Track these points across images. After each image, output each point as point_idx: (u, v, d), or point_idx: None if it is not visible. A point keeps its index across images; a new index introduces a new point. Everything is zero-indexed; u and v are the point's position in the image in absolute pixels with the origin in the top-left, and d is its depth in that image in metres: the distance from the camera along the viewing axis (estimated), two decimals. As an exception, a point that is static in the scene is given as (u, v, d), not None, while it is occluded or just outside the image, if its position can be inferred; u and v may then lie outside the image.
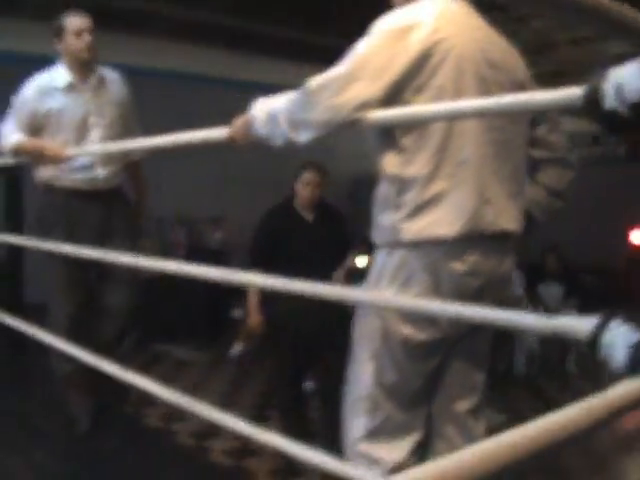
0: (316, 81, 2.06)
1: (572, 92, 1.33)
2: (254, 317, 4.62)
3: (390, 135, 2.14)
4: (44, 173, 3.85)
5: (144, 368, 5.53)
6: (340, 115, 1.98)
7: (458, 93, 2.06)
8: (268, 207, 4.70)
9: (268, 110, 2.11)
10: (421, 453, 2.32)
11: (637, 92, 1.18)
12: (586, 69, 14.22)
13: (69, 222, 3.82)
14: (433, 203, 2.07)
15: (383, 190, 2.19)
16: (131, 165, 4.23)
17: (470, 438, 2.28)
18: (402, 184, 2.10)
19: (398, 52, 2.04)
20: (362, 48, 2.07)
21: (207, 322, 7.60)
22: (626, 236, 12.25)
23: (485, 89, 2.11)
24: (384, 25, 2.10)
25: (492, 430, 4.07)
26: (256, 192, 9.30)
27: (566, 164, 2.48)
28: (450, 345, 2.25)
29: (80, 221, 3.84)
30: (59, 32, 3.76)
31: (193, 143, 2.54)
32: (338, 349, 4.03)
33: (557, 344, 6.52)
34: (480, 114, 1.93)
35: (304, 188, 4.52)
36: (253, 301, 4.60)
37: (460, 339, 2.25)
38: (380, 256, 2.21)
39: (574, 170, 2.50)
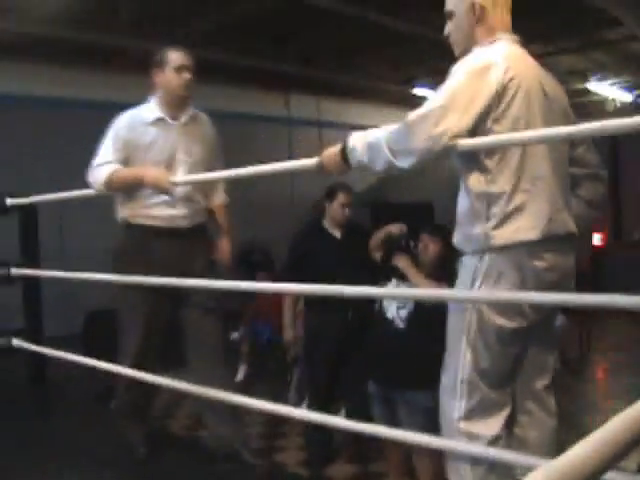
0: (415, 114, 2.45)
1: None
2: (288, 332, 4.87)
3: (475, 159, 2.54)
4: (125, 210, 3.82)
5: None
6: (438, 144, 2.39)
7: (528, 121, 2.51)
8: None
9: (368, 140, 2.53)
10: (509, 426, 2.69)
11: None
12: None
13: (147, 261, 3.72)
14: (516, 213, 2.48)
15: (470, 205, 2.58)
16: (216, 208, 4.21)
17: (547, 411, 2.74)
18: (489, 199, 2.51)
19: (481, 88, 2.47)
20: (451, 86, 2.48)
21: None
22: (590, 239, 12.92)
23: (546, 117, 2.57)
24: (467, 66, 2.53)
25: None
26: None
27: (600, 179, 2.91)
28: (531, 331, 2.64)
29: (159, 259, 3.73)
30: (160, 65, 3.76)
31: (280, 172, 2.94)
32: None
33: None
34: (549, 140, 2.49)
35: (340, 208, 4.80)
36: (288, 317, 4.86)
37: (538, 326, 2.65)
38: (471, 261, 2.58)
39: (606, 184, 2.93)
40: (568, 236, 2.60)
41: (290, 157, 13.30)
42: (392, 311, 4.15)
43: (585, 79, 13.84)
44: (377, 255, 4.52)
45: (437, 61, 12.41)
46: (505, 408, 2.65)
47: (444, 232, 4.04)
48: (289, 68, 11.65)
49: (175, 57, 3.76)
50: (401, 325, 4.14)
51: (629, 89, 14.90)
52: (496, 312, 2.54)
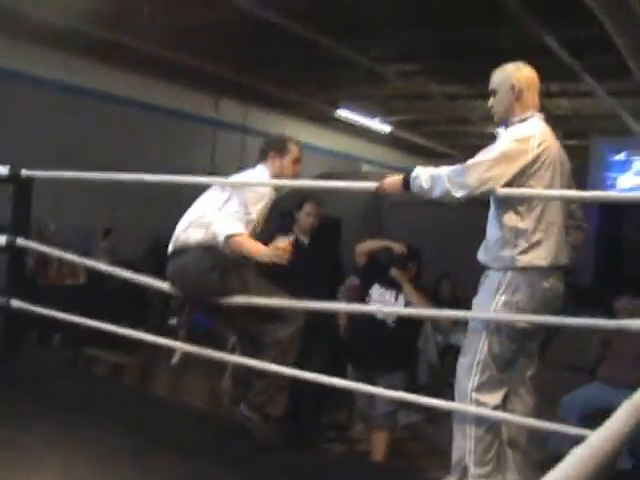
0: (473, 160, 3.31)
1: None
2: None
3: (511, 203, 3.38)
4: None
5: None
6: (487, 185, 3.26)
7: (552, 181, 3.39)
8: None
9: (431, 173, 3.35)
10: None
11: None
12: (456, 122, 15.73)
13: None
14: (535, 246, 3.33)
15: (502, 235, 3.40)
16: None
17: (530, 394, 3.57)
18: (517, 232, 3.34)
19: (524, 150, 3.30)
20: (501, 146, 3.31)
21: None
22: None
23: (562, 178, 3.47)
24: (514, 134, 3.37)
25: (409, 427, 5.07)
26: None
27: (583, 229, 3.77)
28: (530, 333, 3.49)
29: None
30: (282, 150, 4.11)
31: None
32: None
33: (452, 356, 7.53)
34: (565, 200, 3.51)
35: (306, 217, 5.36)
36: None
37: (535, 330, 3.52)
38: (497, 274, 3.40)
39: (586, 233, 3.79)
40: (564, 267, 3.46)
41: (212, 158, 13.75)
42: (381, 315, 5.27)
43: (496, 124, 14.75)
44: (361, 259, 5.55)
45: (363, 87, 13.21)
46: (504, 386, 3.48)
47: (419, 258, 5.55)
48: (223, 72, 12.06)
49: (296, 150, 4.16)
50: (392, 325, 5.28)
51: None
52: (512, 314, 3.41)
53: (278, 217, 4.33)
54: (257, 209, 3.88)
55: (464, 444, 3.43)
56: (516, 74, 3.51)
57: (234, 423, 4.02)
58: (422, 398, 4.02)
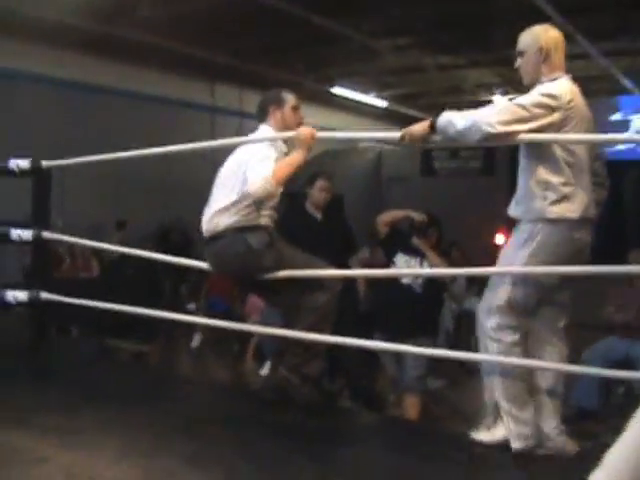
0: (505, 104, 3.42)
1: None
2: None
3: (542, 156, 3.45)
4: None
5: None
6: (513, 127, 3.34)
7: (579, 132, 3.48)
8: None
9: (463, 114, 3.43)
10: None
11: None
12: (449, 92, 15.82)
13: None
14: (565, 199, 3.40)
15: (532, 187, 3.46)
16: None
17: (563, 342, 3.65)
18: (547, 185, 3.41)
19: (556, 106, 3.38)
20: (534, 98, 3.38)
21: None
22: (492, 238, 13.92)
23: (587, 131, 3.52)
24: (545, 89, 3.41)
25: (433, 392, 5.20)
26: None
27: (605, 187, 3.83)
28: (556, 285, 3.59)
29: None
30: (279, 101, 4.17)
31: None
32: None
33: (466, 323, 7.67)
34: (582, 142, 3.54)
35: (319, 193, 5.45)
36: None
37: (560, 284, 3.60)
38: (527, 226, 3.48)
39: (607, 190, 3.84)
40: (592, 219, 3.52)
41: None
42: (408, 279, 5.45)
43: (491, 92, 14.91)
44: (383, 229, 5.64)
45: (357, 63, 13.27)
46: (518, 332, 3.55)
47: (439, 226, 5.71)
48: (217, 58, 12.12)
49: (292, 98, 4.20)
50: (418, 290, 5.43)
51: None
52: (535, 265, 3.48)
53: (285, 198, 4.38)
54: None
55: (494, 395, 3.55)
56: (543, 36, 3.55)
57: (271, 389, 4.16)
58: (456, 353, 4.27)
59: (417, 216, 5.51)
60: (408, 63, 13.12)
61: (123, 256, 9.15)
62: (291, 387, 3.98)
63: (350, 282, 5.43)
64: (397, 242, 5.58)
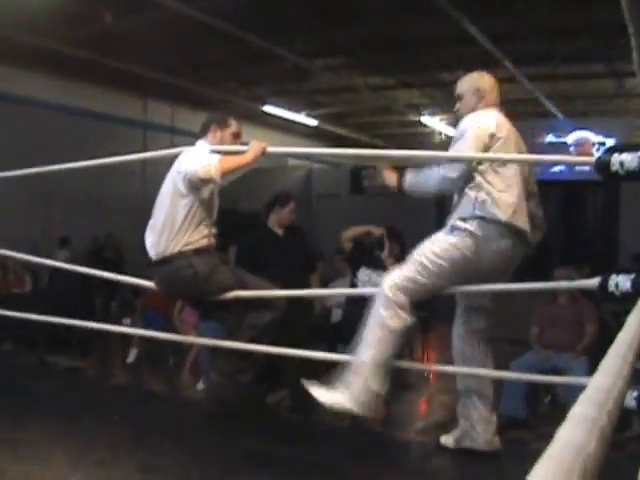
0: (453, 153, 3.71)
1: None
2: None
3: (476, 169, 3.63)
4: None
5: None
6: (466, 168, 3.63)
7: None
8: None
9: (423, 172, 3.71)
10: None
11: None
12: (378, 113, 16.12)
13: None
14: (495, 201, 3.53)
15: (465, 192, 3.61)
16: None
17: (487, 345, 3.85)
18: (480, 187, 3.58)
19: (486, 135, 3.61)
20: (471, 135, 3.59)
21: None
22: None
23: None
24: (476, 125, 3.62)
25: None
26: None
27: (542, 228, 3.99)
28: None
29: None
30: (222, 123, 4.25)
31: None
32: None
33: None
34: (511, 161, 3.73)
35: (289, 213, 5.60)
36: None
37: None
38: (458, 222, 3.57)
39: (543, 233, 4.00)
40: (523, 232, 3.63)
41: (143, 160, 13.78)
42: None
43: (419, 112, 15.26)
44: (347, 245, 5.89)
45: (289, 82, 13.44)
46: (407, 320, 3.57)
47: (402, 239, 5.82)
48: (149, 74, 12.13)
49: (236, 125, 4.28)
50: None
51: (454, 125, 16.49)
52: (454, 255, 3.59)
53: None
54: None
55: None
56: (480, 80, 3.86)
57: (210, 401, 4.25)
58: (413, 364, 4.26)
59: (376, 230, 5.75)
60: (339, 83, 13.34)
61: (56, 271, 9.15)
62: (225, 394, 4.04)
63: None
64: (360, 256, 5.79)
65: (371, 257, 5.72)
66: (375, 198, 16.45)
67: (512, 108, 15.33)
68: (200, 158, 3.90)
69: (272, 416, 4.55)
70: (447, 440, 3.84)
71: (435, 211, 17.14)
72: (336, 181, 17.20)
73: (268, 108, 14.53)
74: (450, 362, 4.02)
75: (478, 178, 3.61)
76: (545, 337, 6.39)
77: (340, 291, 5.69)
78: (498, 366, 3.93)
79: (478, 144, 3.58)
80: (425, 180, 3.69)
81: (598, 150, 14.28)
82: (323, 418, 5.25)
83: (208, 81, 13.02)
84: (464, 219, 3.58)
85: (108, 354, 8.01)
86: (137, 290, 8.04)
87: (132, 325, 7.85)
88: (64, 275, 8.65)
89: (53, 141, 11.76)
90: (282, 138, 17.60)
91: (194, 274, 3.95)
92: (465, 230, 3.55)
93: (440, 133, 17.16)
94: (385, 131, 18.36)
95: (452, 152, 3.68)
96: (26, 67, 11.52)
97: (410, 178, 3.74)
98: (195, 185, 3.90)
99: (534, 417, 6.00)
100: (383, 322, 3.51)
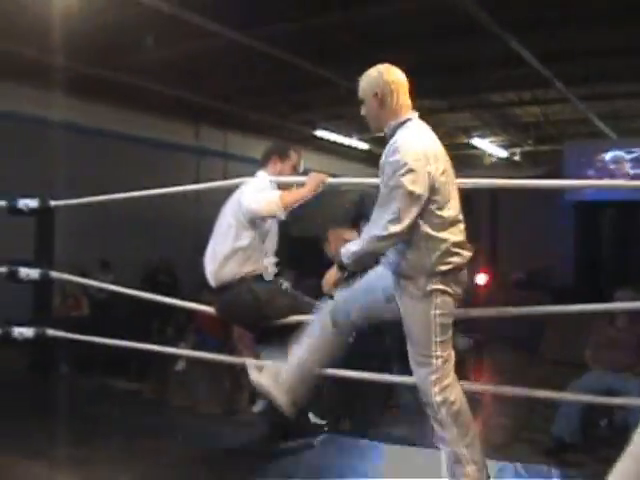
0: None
1: None
2: None
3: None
4: None
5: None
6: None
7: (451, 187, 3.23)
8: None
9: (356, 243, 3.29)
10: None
11: None
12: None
13: None
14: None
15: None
16: None
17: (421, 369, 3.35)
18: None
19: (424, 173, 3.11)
20: (405, 182, 3.08)
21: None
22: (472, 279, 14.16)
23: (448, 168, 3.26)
24: (408, 154, 3.11)
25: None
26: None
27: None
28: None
29: None
30: (283, 155, 4.32)
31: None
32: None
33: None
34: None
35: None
36: None
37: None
38: None
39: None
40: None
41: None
42: None
43: (469, 135, 15.26)
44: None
45: (340, 106, 13.51)
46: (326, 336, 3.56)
47: None
48: (202, 101, 12.35)
49: (296, 158, 4.35)
50: None
51: (505, 147, 16.50)
52: None
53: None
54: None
55: None
56: (378, 80, 3.36)
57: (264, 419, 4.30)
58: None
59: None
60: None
61: (113, 296, 9.32)
62: (283, 416, 4.06)
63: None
64: None
65: None
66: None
67: (564, 129, 15.44)
68: (262, 196, 4.00)
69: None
70: None
71: (488, 236, 17.28)
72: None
73: (320, 132, 14.64)
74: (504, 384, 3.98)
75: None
76: (602, 359, 6.33)
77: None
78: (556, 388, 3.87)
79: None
80: (359, 246, 3.26)
81: (632, 167, 14.21)
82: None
83: (260, 106, 13.18)
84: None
85: (165, 377, 8.12)
86: (191, 314, 8.16)
87: (185, 348, 7.97)
88: (120, 299, 8.81)
89: (109, 168, 12.02)
90: (333, 162, 17.67)
91: (255, 299, 4.02)
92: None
93: (490, 155, 17.14)
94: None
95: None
96: (83, 96, 11.77)
97: (344, 253, 3.31)
98: (258, 220, 4.04)
99: (591, 440, 5.94)
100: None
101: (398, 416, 6.30)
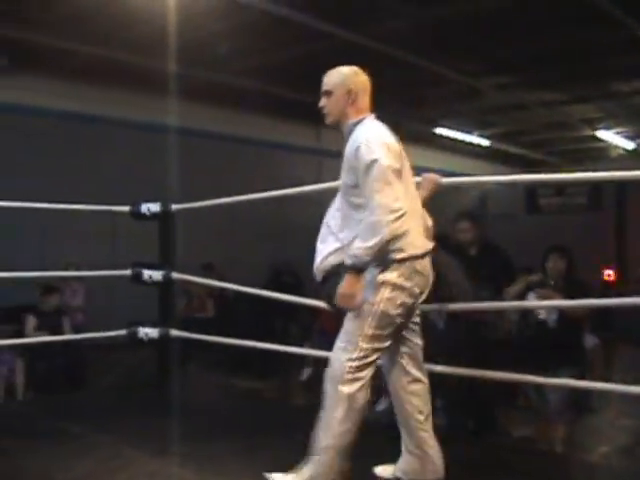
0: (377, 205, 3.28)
1: None
2: None
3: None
4: None
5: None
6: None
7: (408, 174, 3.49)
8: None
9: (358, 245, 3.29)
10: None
11: None
12: (552, 129, 15.72)
13: None
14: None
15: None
16: None
17: None
18: None
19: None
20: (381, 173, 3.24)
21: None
22: (600, 274, 13.77)
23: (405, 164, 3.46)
24: (377, 143, 3.35)
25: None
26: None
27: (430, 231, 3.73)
28: None
29: None
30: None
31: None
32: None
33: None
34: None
35: (461, 234, 5.71)
36: None
37: None
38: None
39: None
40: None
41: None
42: (543, 315, 5.84)
43: (594, 127, 14.79)
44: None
45: (459, 103, 13.39)
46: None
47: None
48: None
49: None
50: (553, 325, 5.82)
51: (632, 138, 15.91)
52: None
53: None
54: None
55: None
56: (353, 78, 3.57)
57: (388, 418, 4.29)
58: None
59: (535, 277, 5.89)
60: (510, 101, 13.14)
61: (237, 296, 9.52)
62: None
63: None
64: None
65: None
66: (553, 217, 16.14)
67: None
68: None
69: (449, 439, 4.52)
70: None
71: (616, 230, 16.63)
72: (512, 201, 16.93)
73: (439, 130, 14.53)
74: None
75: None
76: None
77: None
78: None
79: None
80: (372, 242, 3.24)
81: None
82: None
83: (379, 106, 13.15)
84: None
85: (287, 376, 8.24)
86: (315, 314, 8.25)
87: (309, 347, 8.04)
88: (245, 299, 8.99)
89: (232, 171, 12.31)
90: (453, 159, 17.52)
91: None
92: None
93: (617, 147, 16.55)
94: (559, 148, 17.84)
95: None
96: (203, 102, 12.07)
97: (351, 256, 3.32)
98: None
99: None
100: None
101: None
